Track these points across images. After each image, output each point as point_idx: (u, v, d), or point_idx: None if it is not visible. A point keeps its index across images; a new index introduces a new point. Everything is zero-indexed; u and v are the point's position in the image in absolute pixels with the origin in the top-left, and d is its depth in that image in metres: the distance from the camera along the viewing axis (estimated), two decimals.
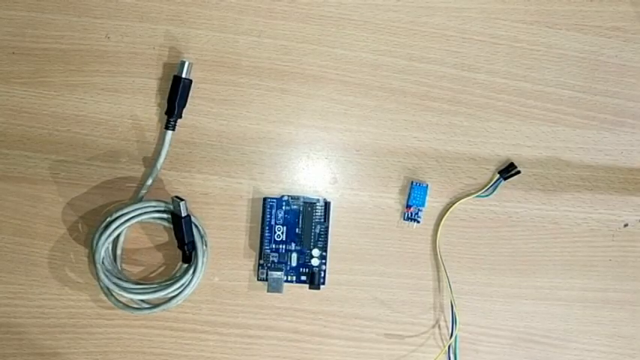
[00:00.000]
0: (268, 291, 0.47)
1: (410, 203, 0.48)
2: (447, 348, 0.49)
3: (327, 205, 0.48)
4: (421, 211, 0.49)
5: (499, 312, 0.50)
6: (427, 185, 0.48)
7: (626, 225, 0.50)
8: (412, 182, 0.48)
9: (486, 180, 0.49)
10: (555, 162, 0.50)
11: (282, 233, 0.47)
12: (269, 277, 0.47)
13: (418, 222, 0.49)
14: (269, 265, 0.47)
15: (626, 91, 0.50)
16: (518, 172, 0.49)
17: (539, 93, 0.49)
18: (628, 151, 0.50)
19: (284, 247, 0.47)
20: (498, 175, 0.49)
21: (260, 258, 0.47)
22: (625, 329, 0.51)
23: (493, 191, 0.49)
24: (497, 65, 0.49)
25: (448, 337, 0.49)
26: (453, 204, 0.49)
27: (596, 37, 0.49)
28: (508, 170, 0.49)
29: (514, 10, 0.49)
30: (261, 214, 0.48)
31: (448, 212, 0.49)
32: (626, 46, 0.49)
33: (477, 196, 0.49)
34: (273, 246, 0.48)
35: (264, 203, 0.47)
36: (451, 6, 0.48)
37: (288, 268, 0.48)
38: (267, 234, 0.47)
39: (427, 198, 0.49)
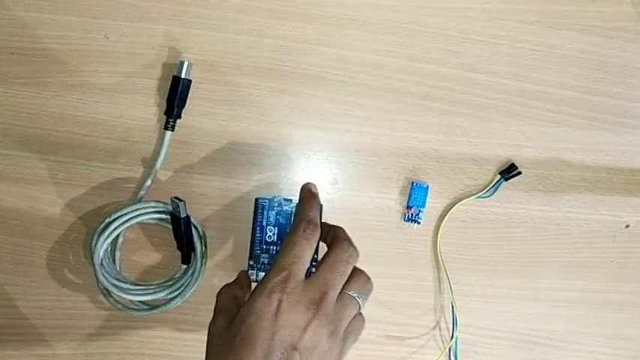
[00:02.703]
0: None
1: (410, 204, 0.48)
2: (447, 350, 0.49)
3: (319, 208, 0.45)
4: (422, 212, 0.48)
5: (500, 313, 0.50)
6: (428, 186, 0.48)
7: (627, 226, 0.50)
8: (412, 183, 0.48)
9: (487, 181, 0.49)
10: (556, 163, 0.49)
11: (274, 234, 0.47)
12: (258, 278, 0.46)
13: (419, 223, 0.49)
14: (259, 266, 0.46)
15: (627, 92, 0.49)
16: (519, 172, 0.48)
17: (541, 93, 0.49)
18: (629, 152, 0.50)
19: (275, 248, 0.47)
20: (499, 176, 0.49)
21: (250, 259, 0.46)
22: (626, 330, 0.51)
23: (494, 192, 0.49)
24: (498, 65, 0.49)
25: (449, 339, 0.49)
26: (454, 205, 0.49)
27: (598, 38, 0.49)
28: (509, 171, 0.48)
29: (515, 10, 0.49)
30: (252, 215, 0.47)
31: (449, 213, 0.49)
32: (627, 47, 0.49)
33: (478, 197, 0.49)
34: (264, 247, 0.46)
35: (255, 203, 0.46)
36: (452, 6, 0.48)
37: None
38: (257, 234, 0.46)
39: (428, 199, 0.48)
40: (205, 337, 0.48)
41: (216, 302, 0.39)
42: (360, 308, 0.38)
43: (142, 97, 0.47)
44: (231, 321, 0.36)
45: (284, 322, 0.34)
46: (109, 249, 0.46)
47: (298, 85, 0.48)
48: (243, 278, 0.43)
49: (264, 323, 0.34)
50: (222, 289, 0.41)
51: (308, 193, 0.42)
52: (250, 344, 0.33)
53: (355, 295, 0.38)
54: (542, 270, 0.50)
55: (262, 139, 0.48)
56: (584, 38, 0.49)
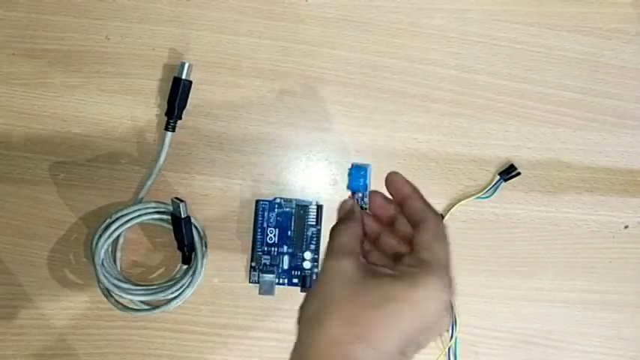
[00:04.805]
0: (260, 293, 0.47)
1: (352, 188, 0.36)
2: (447, 349, 0.49)
3: (319, 208, 0.48)
4: (366, 196, 0.36)
5: (499, 314, 0.50)
6: (369, 165, 0.36)
7: (626, 227, 0.50)
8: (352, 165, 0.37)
9: (486, 181, 0.49)
10: (555, 163, 0.49)
11: (275, 236, 0.47)
12: (260, 279, 0.47)
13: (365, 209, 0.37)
14: (261, 267, 0.47)
15: (626, 93, 0.50)
16: (519, 173, 0.49)
17: (540, 94, 0.49)
18: (628, 153, 0.50)
19: (276, 249, 0.47)
20: (498, 177, 0.49)
21: (252, 260, 0.47)
22: (625, 331, 0.51)
23: (493, 193, 0.49)
24: (497, 67, 0.49)
25: (448, 339, 0.49)
26: (453, 205, 0.49)
27: (597, 39, 0.49)
28: (508, 172, 0.49)
29: (514, 11, 0.49)
30: (253, 216, 0.48)
31: (448, 214, 0.49)
32: (626, 48, 0.49)
33: (477, 198, 0.49)
34: (265, 248, 0.47)
35: (256, 205, 0.47)
36: (451, 7, 0.48)
37: (279, 271, 0.47)
38: (259, 236, 0.47)
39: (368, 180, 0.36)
40: (205, 337, 0.48)
41: (334, 240, 0.33)
42: None
43: (142, 98, 0.47)
44: (366, 272, 0.30)
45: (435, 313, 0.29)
46: (110, 249, 0.46)
47: (298, 86, 0.48)
48: (353, 211, 0.35)
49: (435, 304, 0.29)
50: (338, 226, 0.34)
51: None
52: (392, 317, 0.28)
53: None
54: (541, 270, 0.50)
55: (262, 140, 0.48)
56: (584, 39, 0.49)
